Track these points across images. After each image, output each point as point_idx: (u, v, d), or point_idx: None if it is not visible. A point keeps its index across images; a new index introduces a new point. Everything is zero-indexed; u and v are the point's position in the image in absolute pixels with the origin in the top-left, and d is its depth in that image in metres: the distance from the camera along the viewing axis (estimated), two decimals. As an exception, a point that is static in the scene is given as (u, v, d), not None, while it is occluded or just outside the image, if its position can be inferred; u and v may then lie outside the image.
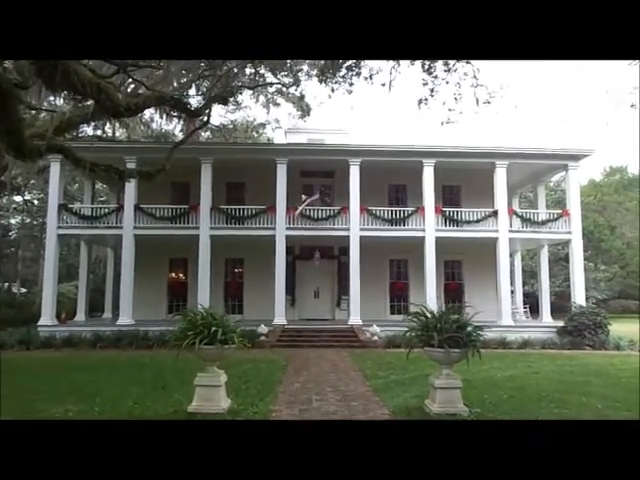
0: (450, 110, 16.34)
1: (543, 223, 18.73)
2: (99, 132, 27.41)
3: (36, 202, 36.00)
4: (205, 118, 18.17)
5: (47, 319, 17.57)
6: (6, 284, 37.49)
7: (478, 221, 18.59)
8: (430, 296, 18.05)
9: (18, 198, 37.59)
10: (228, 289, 20.93)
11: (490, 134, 45.80)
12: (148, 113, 33.61)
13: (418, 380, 9.80)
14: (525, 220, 18.69)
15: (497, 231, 18.51)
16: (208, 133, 29.45)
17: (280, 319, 17.79)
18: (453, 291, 20.81)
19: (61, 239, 18.67)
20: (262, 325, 16.60)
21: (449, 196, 21.22)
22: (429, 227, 18.50)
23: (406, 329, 16.76)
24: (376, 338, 16.50)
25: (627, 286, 39.30)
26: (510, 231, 18.49)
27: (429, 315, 7.21)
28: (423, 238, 18.55)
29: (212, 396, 6.72)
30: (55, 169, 18.33)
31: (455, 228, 18.65)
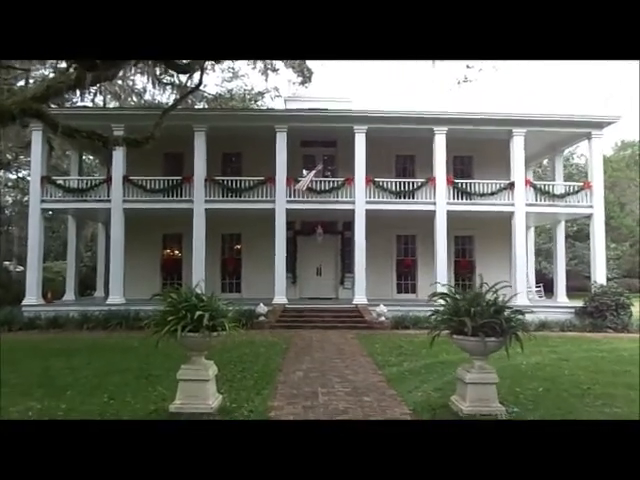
0: (468, 67, 14.99)
1: (562, 196, 17.44)
2: (90, 104, 25.99)
3: (29, 179, 34.73)
4: (198, 81, 16.76)
5: (32, 298, 16.47)
6: (5, 263, 36.52)
7: (493, 194, 17.32)
8: (440, 274, 16.96)
9: (13, 176, 36.42)
10: (225, 266, 19.78)
11: (505, 101, 43.61)
12: (140, 83, 32.10)
13: (435, 368, 8.72)
14: (544, 193, 17.40)
15: (513, 204, 17.26)
16: (203, 103, 27.96)
17: (280, 298, 16.68)
18: (464, 269, 19.65)
19: (46, 214, 17.44)
20: (261, 304, 15.50)
21: (460, 167, 19.89)
22: (440, 200, 17.24)
23: (414, 308, 15.62)
24: (383, 319, 15.41)
25: (636, 264, 38.19)
26: (527, 204, 17.22)
27: (459, 297, 6.01)
28: (433, 212, 17.32)
29: (198, 392, 5.61)
30: (37, 138, 17.01)
31: (468, 201, 17.39)
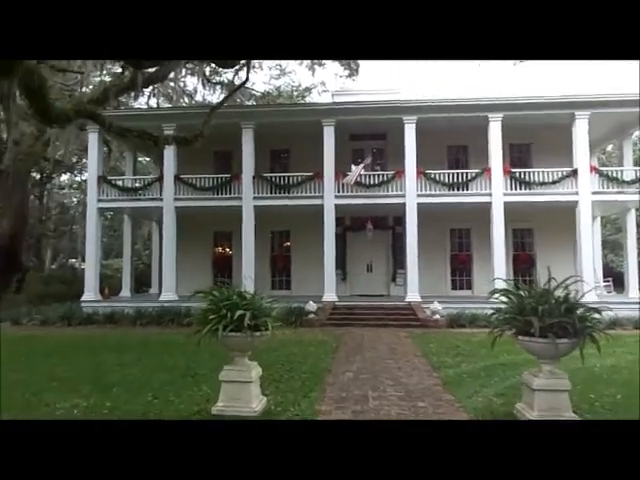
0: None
1: (632, 183, 16.09)
2: (144, 107, 26.68)
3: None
4: (244, 78, 16.68)
5: (90, 294, 17.00)
6: (71, 260, 38.40)
7: (554, 182, 16.22)
8: (498, 269, 16.06)
9: (77, 178, 38.25)
10: (275, 263, 19.67)
11: (566, 82, 40.77)
12: (191, 84, 32.69)
13: (496, 371, 8.10)
14: (611, 179, 16.12)
15: (577, 193, 16.09)
16: (252, 101, 28.08)
17: (330, 295, 16.35)
18: (523, 263, 18.58)
19: (105, 214, 17.92)
20: (310, 302, 15.23)
21: (517, 156, 18.81)
22: (497, 191, 16.34)
23: (471, 306, 14.90)
24: (437, 317, 14.75)
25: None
26: (593, 193, 16.01)
27: (524, 293, 5.42)
28: (489, 204, 16.43)
29: (241, 394, 5.34)
30: (93, 139, 17.50)
31: (527, 191, 16.38)
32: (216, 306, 5.21)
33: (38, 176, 36.61)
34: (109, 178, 18.03)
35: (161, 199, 17.25)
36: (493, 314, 5.84)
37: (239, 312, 4.98)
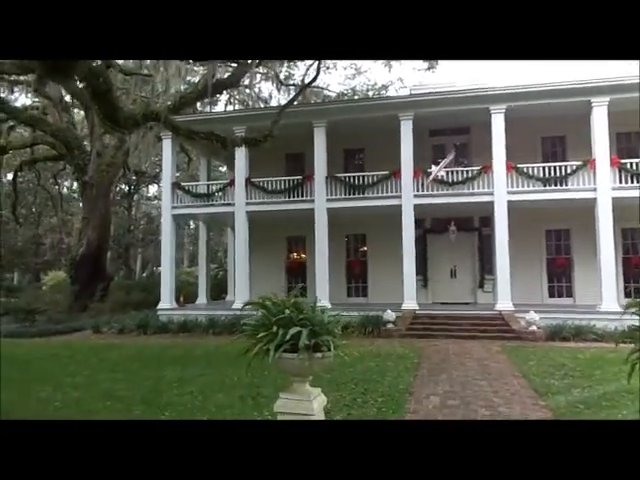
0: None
1: None
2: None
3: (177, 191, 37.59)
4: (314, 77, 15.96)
5: (166, 302, 16.96)
6: (159, 268, 39.97)
7: (675, 173, 13.85)
8: (606, 275, 13.97)
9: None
10: (350, 269, 18.65)
11: None
12: (266, 90, 32.67)
13: (621, 400, 6.50)
14: None
15: None
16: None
17: (410, 303, 15.05)
18: (635, 268, 16.14)
19: (177, 220, 17.87)
20: (388, 310, 14.02)
21: (626, 146, 16.40)
22: (603, 185, 14.24)
23: (574, 316, 12.98)
24: (534, 328, 12.97)
25: None
26: None
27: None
28: (594, 200, 14.37)
29: (302, 429, 4.34)
30: (167, 146, 17.54)
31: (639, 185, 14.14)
32: (268, 320, 4.27)
33: (127, 188, 38.59)
34: (182, 184, 17.98)
35: (232, 204, 16.88)
36: (631, 333, 4.40)
37: (293, 330, 4.00)
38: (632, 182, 14.27)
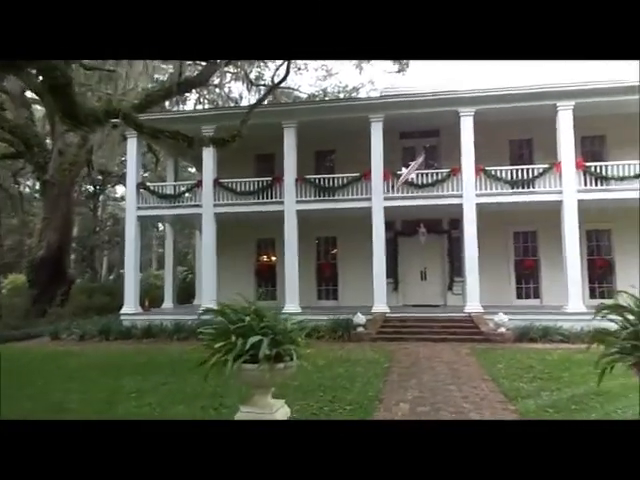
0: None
1: None
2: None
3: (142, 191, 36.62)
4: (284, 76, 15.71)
5: (130, 307, 16.39)
6: (121, 271, 38.83)
7: (638, 176, 14.14)
8: (572, 276, 14.18)
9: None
10: (321, 272, 18.43)
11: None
12: (237, 90, 32.20)
13: (590, 403, 6.49)
14: None
15: (665, 189, 13.95)
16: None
17: (381, 306, 14.94)
18: (599, 269, 16.45)
19: (142, 221, 17.31)
20: (359, 314, 13.87)
21: (590, 150, 16.71)
22: (568, 188, 14.44)
23: (541, 317, 13.08)
24: (503, 330, 13.03)
25: None
26: (685, 187, 13.83)
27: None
28: (559, 202, 14.57)
29: (264, 444, 4.09)
30: (132, 145, 16.98)
31: (604, 187, 14.40)
32: (226, 328, 4.02)
33: (92, 188, 37.42)
34: (148, 185, 17.45)
35: (200, 205, 16.46)
36: (594, 339, 4.31)
37: (253, 339, 3.76)
38: (596, 185, 14.52)
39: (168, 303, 19.01)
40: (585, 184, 14.54)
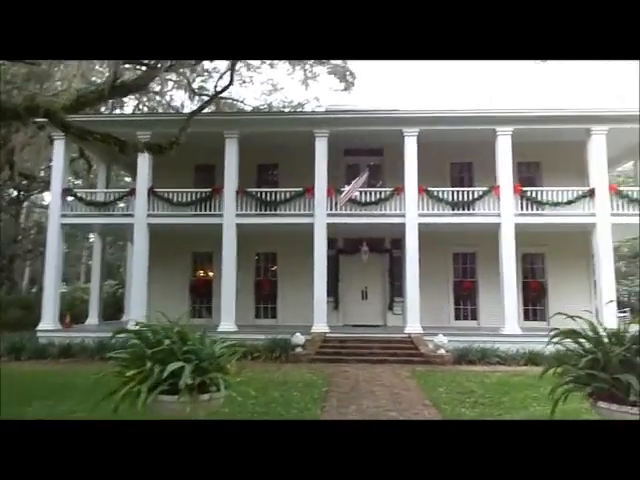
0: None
1: (653, 204, 14.57)
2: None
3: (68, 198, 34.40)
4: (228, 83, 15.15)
5: (48, 322, 14.97)
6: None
7: (570, 203, 14.67)
8: (508, 298, 14.38)
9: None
10: (259, 289, 17.75)
11: (578, 96, 39.85)
12: (179, 100, 31.31)
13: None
14: (632, 200, 14.59)
15: (594, 215, 14.53)
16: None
17: (320, 325, 14.48)
18: (533, 291, 16.88)
19: (67, 230, 16.01)
20: (297, 333, 13.34)
21: (526, 175, 17.24)
22: (506, 211, 14.73)
23: (479, 339, 12.99)
24: (442, 351, 12.92)
25: None
26: (613, 215, 14.46)
27: (605, 336, 3.66)
28: (497, 225, 14.82)
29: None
30: (59, 148, 15.75)
31: (539, 212, 14.83)
32: (141, 353, 3.39)
33: (15, 193, 34.76)
34: (75, 191, 16.21)
35: (132, 215, 15.44)
36: (547, 369, 4.04)
37: (173, 365, 3.17)
38: (532, 209, 14.92)
39: (93, 319, 17.62)
40: (522, 208, 14.90)
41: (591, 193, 14.66)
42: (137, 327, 3.85)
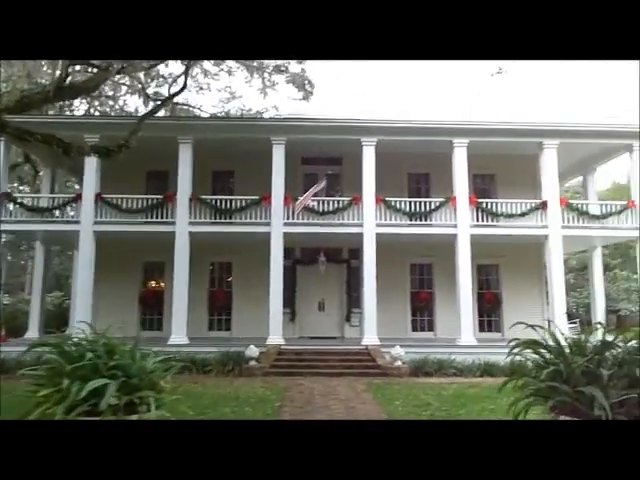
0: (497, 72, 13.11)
1: (603, 217, 15.05)
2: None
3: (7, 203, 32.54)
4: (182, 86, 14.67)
5: (-20, 337, 13.89)
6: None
7: (523, 214, 14.93)
8: (464, 309, 14.43)
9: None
10: (213, 300, 17.15)
11: (532, 111, 41.27)
12: (133, 105, 30.34)
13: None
14: (582, 213, 15.01)
15: (547, 227, 14.84)
16: (198, 124, 26.03)
17: (276, 338, 14.05)
18: (488, 302, 17.04)
19: (6, 237, 15.00)
20: (251, 346, 12.87)
21: (481, 187, 17.48)
22: (462, 222, 14.84)
23: (435, 350, 12.94)
24: (399, 363, 12.76)
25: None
26: (564, 227, 14.81)
27: (569, 350, 3.48)
28: (454, 236, 14.90)
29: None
30: (-4, 150, 14.77)
31: (495, 223, 15.02)
32: (59, 369, 2.96)
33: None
34: (15, 195, 15.24)
35: (78, 222, 14.62)
36: (507, 382, 3.84)
37: (94, 383, 2.76)
38: (487, 220, 15.10)
39: (33, 332, 16.48)
40: (477, 220, 15.04)
41: (543, 205, 14.98)
42: (57, 340, 3.38)
